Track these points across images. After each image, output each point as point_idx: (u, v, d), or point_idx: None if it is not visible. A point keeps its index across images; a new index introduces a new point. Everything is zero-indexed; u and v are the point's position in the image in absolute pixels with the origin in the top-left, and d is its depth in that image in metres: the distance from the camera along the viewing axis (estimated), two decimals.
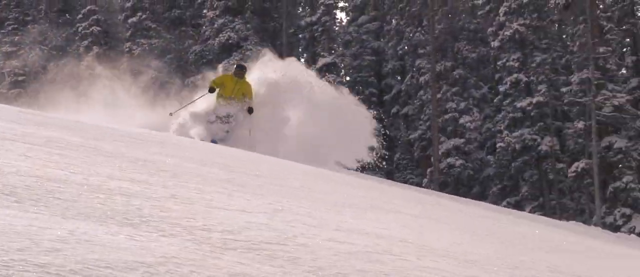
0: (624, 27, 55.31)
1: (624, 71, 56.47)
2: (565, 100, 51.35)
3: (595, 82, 48.36)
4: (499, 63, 55.16)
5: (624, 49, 57.87)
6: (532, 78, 53.25)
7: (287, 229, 6.00)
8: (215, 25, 58.95)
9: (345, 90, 30.20)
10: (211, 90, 23.36)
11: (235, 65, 24.51)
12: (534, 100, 51.64)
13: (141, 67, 59.11)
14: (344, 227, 6.74)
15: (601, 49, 49.23)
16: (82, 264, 3.91)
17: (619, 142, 48.04)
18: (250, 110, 23.16)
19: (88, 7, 65.94)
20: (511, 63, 53.16)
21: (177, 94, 26.30)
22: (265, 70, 25.84)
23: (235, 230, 5.50)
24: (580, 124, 49.02)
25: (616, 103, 48.40)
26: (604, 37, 50.82)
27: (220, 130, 23.17)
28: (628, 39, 57.84)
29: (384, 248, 6.04)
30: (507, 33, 53.18)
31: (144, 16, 62.83)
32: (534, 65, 53.17)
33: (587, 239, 14.96)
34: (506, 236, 10.03)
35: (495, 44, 54.29)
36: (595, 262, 9.60)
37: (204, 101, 23.99)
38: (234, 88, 23.21)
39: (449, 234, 8.36)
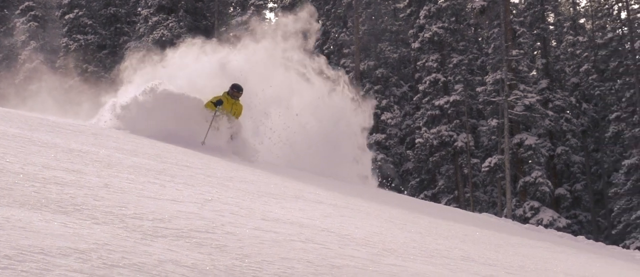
0: (535, 31, 56.18)
1: (535, 73, 57.31)
2: (480, 99, 51.94)
3: (508, 83, 48.94)
4: (418, 63, 55.50)
5: (535, 52, 58.72)
6: (449, 78, 53.73)
7: (215, 218, 5.98)
8: (150, 23, 58.51)
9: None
10: (219, 102, 19.88)
11: (232, 85, 20.54)
12: (451, 98, 52.12)
13: (77, 61, 58.47)
14: (270, 217, 6.74)
15: (514, 52, 49.85)
16: (17, 249, 3.86)
17: (529, 140, 48.72)
18: (233, 136, 20.02)
19: (26, 3, 64.91)
20: (430, 63, 53.57)
21: (111, 88, 24.69)
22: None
23: (166, 218, 5.47)
24: (493, 122, 49.59)
25: (527, 103, 49.06)
26: (516, 40, 51.48)
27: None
28: (539, 43, 58.72)
29: (307, 237, 6.06)
30: (427, 35, 53.58)
31: (80, 13, 62.08)
32: (451, 65, 53.64)
33: (498, 230, 15.13)
34: (422, 226, 10.11)
35: (416, 45, 54.65)
36: (504, 250, 9.72)
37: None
38: (230, 110, 20.17)
39: (368, 224, 8.40)
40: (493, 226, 16.13)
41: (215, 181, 8.87)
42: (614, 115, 56.76)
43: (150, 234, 4.87)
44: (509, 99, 48.57)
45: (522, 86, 49.94)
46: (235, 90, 20.30)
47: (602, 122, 59.54)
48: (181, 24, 58.38)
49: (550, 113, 52.07)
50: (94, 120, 19.99)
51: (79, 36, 61.14)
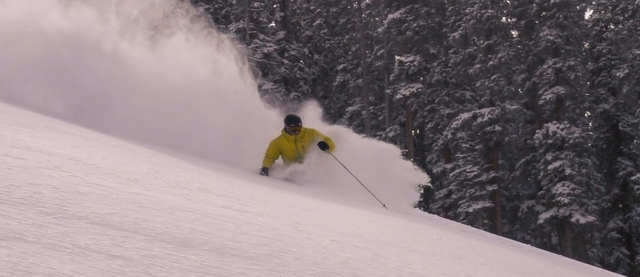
0: None
1: (273, 24, 58.14)
2: None
3: (249, 32, 49.44)
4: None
5: (274, 5, 59.49)
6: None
7: None
8: None
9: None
10: (265, 171, 14.91)
11: (285, 120, 15.01)
12: None
13: None
14: (20, 145, 6.53)
15: (255, 4, 50.35)
16: None
17: (266, 85, 49.60)
18: (323, 146, 14.80)
19: None
20: (178, 11, 53.12)
21: None
22: None
23: None
24: None
25: (266, 51, 49.83)
26: None
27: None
28: None
29: (55, 165, 5.93)
30: None
31: None
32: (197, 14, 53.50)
33: (234, 165, 15.27)
34: (165, 159, 10.11)
35: None
36: (239, 184, 9.89)
37: None
38: (296, 148, 14.92)
39: (115, 155, 8.31)
40: (231, 161, 16.28)
41: None
42: (341, 67, 58.83)
43: None
44: (249, 46, 49.12)
45: (261, 36, 50.63)
46: (292, 125, 14.84)
47: (331, 72, 61.46)
48: None
49: (286, 62, 53.15)
50: None
51: None
